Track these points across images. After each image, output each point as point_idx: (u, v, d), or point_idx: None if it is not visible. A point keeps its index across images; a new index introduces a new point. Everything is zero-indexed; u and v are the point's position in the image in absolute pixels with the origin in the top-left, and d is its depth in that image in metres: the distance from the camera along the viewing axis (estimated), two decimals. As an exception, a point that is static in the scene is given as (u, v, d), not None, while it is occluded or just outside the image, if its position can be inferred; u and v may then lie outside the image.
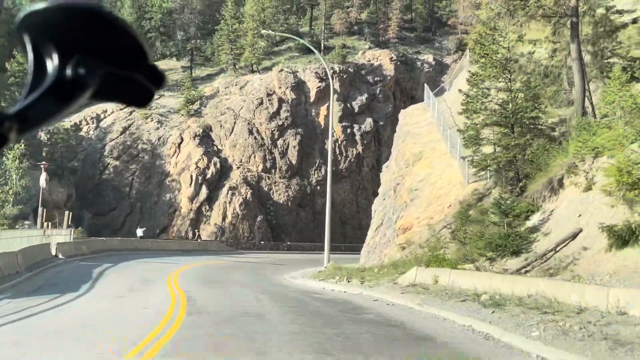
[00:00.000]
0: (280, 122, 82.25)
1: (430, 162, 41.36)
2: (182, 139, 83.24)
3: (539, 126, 33.06)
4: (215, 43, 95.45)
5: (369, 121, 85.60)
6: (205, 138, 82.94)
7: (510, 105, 32.38)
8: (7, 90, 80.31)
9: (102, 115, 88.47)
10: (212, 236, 74.68)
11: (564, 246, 20.76)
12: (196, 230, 72.35)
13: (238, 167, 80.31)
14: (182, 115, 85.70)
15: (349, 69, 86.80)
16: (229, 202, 76.60)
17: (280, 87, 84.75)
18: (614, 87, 24.72)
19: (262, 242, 74.40)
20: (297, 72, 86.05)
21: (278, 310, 17.34)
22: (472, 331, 14.00)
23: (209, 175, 79.20)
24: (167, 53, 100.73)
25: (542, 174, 26.48)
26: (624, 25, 33.64)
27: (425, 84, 57.75)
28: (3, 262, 25.25)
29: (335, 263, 35.12)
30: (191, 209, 77.82)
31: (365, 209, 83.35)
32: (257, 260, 51.27)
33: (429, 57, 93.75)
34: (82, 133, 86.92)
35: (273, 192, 79.69)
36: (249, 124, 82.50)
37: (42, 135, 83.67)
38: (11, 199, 59.92)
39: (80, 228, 62.89)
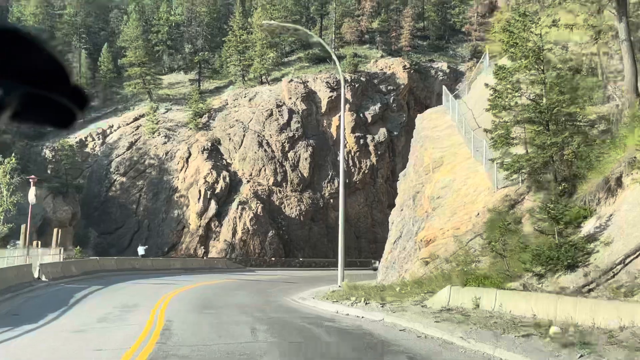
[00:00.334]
0: (290, 134, 78.04)
1: (453, 168, 36.94)
2: (190, 153, 79.16)
3: (578, 122, 28.58)
4: (223, 55, 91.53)
5: (382, 131, 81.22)
6: (214, 152, 78.82)
7: (545, 100, 27.97)
8: None
9: (108, 131, 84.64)
10: (222, 253, 70.42)
11: (635, 258, 16.31)
12: (202, 248, 67.97)
13: (248, 181, 76.08)
14: (190, 128, 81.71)
15: (361, 78, 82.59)
16: (239, 218, 72.32)
17: (290, 98, 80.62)
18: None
19: (273, 259, 70.00)
20: (308, 82, 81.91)
21: (276, 350, 12.91)
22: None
23: (218, 190, 75.03)
24: (175, 67, 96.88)
25: (594, 173, 22.00)
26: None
27: (444, 86, 53.37)
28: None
29: (350, 281, 30.70)
30: (200, 225, 73.60)
31: (381, 222, 78.96)
32: (266, 278, 46.90)
33: (443, 65, 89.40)
34: (87, 149, 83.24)
35: (284, 206, 75.36)
36: (258, 136, 78.33)
37: (47, 152, 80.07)
38: (1, 217, 55.75)
39: (78, 247, 58.66)
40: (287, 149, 77.56)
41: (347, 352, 13.38)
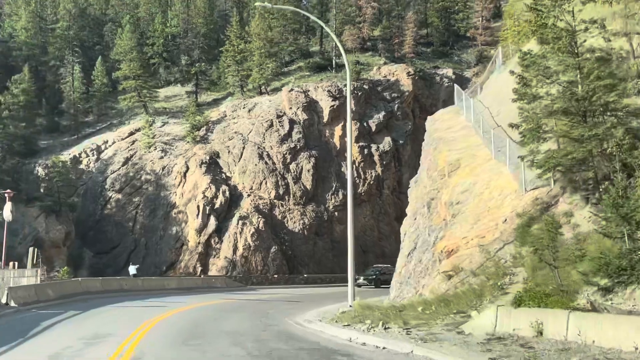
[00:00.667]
0: (292, 145, 74.05)
1: (472, 171, 32.94)
2: (187, 168, 75.20)
3: (618, 113, 24.55)
4: (221, 66, 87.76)
5: (387, 140, 77.22)
6: (212, 165, 74.87)
7: (580, 88, 24.00)
8: None
9: (102, 147, 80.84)
10: (223, 271, 66.31)
11: None
12: (199, 266, 63.66)
13: (248, 195, 72.04)
14: (188, 142, 77.83)
15: (364, 86, 78.71)
16: (240, 233, 68.23)
17: (290, 108, 76.71)
18: None
19: (276, 276, 65.82)
20: (309, 91, 78.01)
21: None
22: None
23: (217, 205, 71.01)
24: (172, 79, 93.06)
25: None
26: None
27: (456, 85, 49.44)
28: None
29: (362, 299, 26.60)
30: (199, 242, 69.52)
31: (388, 235, 75.03)
32: (268, 297, 42.80)
33: (448, 72, 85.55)
34: (81, 166, 79.52)
35: (287, 221, 71.25)
36: (258, 148, 74.36)
37: (39, 170, 76.26)
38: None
39: (66, 268, 54.58)
40: (288, 160, 73.58)
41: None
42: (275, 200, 71.93)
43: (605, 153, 23.53)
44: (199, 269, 65.39)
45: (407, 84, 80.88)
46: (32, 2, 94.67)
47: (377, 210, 75.72)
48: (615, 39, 27.35)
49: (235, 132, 77.28)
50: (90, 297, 34.90)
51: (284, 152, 73.68)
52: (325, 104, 76.57)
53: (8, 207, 39.33)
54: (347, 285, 58.18)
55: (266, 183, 72.57)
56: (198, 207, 70.86)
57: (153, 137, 78.54)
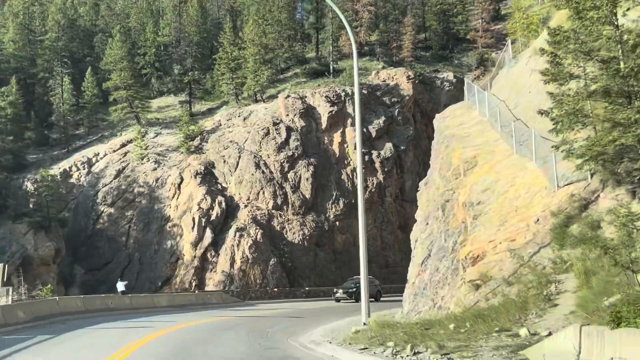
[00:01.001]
0: (289, 153, 70.35)
1: (491, 168, 29.29)
2: (182, 179, 71.49)
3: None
4: (215, 75, 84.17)
5: (388, 146, 73.50)
6: (207, 176, 71.13)
7: (623, 64, 20.32)
8: None
9: (93, 159, 77.15)
10: (220, 285, 62.50)
11: None
12: (195, 280, 59.66)
13: (246, 206, 68.28)
14: (182, 152, 74.14)
15: (363, 91, 74.87)
16: (237, 246, 64.44)
17: (287, 115, 73.05)
18: None
19: (276, 290, 61.91)
20: (306, 97, 74.37)
21: None
22: None
23: (213, 217, 67.25)
24: (164, 90, 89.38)
25: None
26: None
27: (466, 79, 45.90)
28: None
29: (377, 316, 22.81)
30: (195, 256, 65.70)
31: (392, 244, 71.34)
32: (268, 313, 38.96)
33: (448, 75, 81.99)
34: (72, 180, 75.77)
35: (286, 231, 67.44)
36: (255, 157, 70.66)
37: (28, 185, 72.50)
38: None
39: (49, 286, 50.86)
40: (286, 169, 69.86)
41: None
42: (273, 211, 68.20)
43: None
44: (194, 284, 61.37)
45: (407, 88, 77.29)
46: (20, 14, 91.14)
47: (379, 218, 71.92)
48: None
49: (231, 141, 73.62)
50: (70, 318, 31.08)
51: (282, 161, 70.02)
52: (324, 110, 72.96)
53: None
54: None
55: (264, 193, 68.88)
56: (193, 219, 67.16)
57: (146, 149, 74.87)
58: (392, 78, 78.20)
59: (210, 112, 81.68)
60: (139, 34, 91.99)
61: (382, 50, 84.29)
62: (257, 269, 63.62)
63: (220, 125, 76.80)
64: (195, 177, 70.39)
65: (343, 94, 73.78)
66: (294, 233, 67.53)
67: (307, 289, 63.42)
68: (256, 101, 78.06)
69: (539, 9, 55.59)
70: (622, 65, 20.30)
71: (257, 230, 65.30)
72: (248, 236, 64.73)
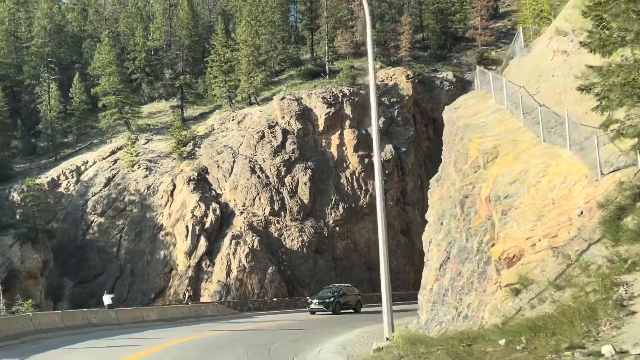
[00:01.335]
0: (286, 157, 66.87)
1: (516, 158, 25.88)
2: (174, 186, 67.97)
3: None
4: (207, 78, 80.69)
5: (388, 148, 70.12)
6: (201, 182, 67.67)
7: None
8: None
9: (82, 168, 73.56)
10: (216, 296, 58.93)
11: None
12: (190, 291, 55.84)
13: (241, 212, 64.78)
14: (174, 159, 70.62)
15: (361, 91, 71.67)
16: (233, 254, 60.93)
17: (283, 117, 69.60)
18: None
19: (275, 299, 58.15)
20: (302, 98, 70.97)
21: None
22: None
23: (207, 225, 63.78)
24: (155, 95, 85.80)
25: None
26: None
27: (478, 67, 42.54)
28: None
29: (403, 328, 19.30)
30: (189, 266, 62.21)
31: (394, 249, 67.70)
32: (267, 325, 35.36)
33: (448, 74, 78.75)
34: (60, 189, 72.13)
35: (284, 238, 63.92)
36: (250, 161, 67.17)
37: (15, 195, 68.88)
38: None
39: (30, 300, 47.09)
40: (283, 173, 66.36)
41: None
42: (270, 217, 64.70)
43: None
44: (188, 295, 57.54)
45: (406, 88, 73.93)
46: (6, 21, 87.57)
47: (380, 223, 68.28)
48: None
49: (225, 146, 70.12)
50: (45, 337, 27.48)
51: (278, 165, 66.54)
52: (320, 112, 69.52)
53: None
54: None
55: (260, 199, 65.36)
56: (187, 227, 63.68)
57: (136, 155, 71.31)
58: (391, 78, 74.87)
59: (203, 116, 78.21)
60: (128, 38, 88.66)
61: (380, 50, 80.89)
62: (255, 278, 60.07)
63: (214, 129, 73.34)
64: (188, 184, 66.94)
65: (340, 94, 70.37)
66: (292, 240, 64.05)
67: (308, 298, 59.56)
68: (250, 104, 74.63)
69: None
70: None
71: (253, 238, 61.80)
72: (244, 244, 61.24)
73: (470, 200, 26.95)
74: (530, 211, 21.83)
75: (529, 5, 48.56)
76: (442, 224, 30.44)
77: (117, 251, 68.04)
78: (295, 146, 67.75)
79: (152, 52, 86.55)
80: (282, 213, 65.09)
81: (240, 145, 69.24)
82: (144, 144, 74.59)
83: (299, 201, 65.47)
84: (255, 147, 68.07)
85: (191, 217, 64.06)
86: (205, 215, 64.47)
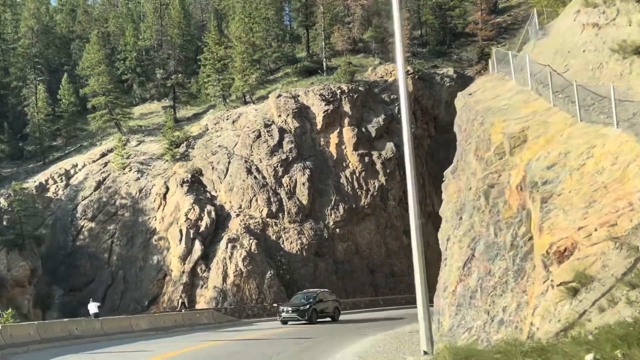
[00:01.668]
0: (283, 156, 63.61)
1: (550, 140, 22.76)
2: (167, 188, 64.65)
3: None
4: (200, 77, 77.33)
5: (389, 146, 66.82)
6: (195, 184, 64.37)
7: None
8: None
9: (71, 171, 70.18)
10: (212, 302, 55.55)
11: None
12: (182, 299, 52.28)
13: (237, 215, 61.47)
14: (166, 160, 67.33)
15: (359, 88, 68.51)
16: (230, 258, 57.62)
17: (280, 115, 66.34)
18: None
19: (275, 305, 54.58)
20: (299, 96, 67.72)
21: None
22: None
23: (202, 228, 60.49)
24: (147, 96, 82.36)
25: None
26: None
27: (495, 48, 39.26)
28: None
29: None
30: (183, 271, 58.85)
31: (397, 251, 64.61)
32: (269, 334, 32.03)
33: (448, 71, 75.69)
34: (49, 194, 68.68)
35: (283, 241, 60.64)
36: (246, 162, 63.90)
37: (2, 201, 65.38)
38: None
39: (11, 310, 43.39)
40: (280, 174, 63.07)
41: None
42: (267, 219, 61.38)
43: None
44: (181, 302, 53.98)
45: (406, 84, 70.58)
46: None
47: (382, 224, 65.15)
48: None
49: (219, 146, 66.84)
50: (19, 351, 24.14)
51: (275, 165, 63.26)
52: (318, 110, 66.27)
53: None
54: (361, 312, 46.20)
55: (257, 200, 62.06)
56: (181, 231, 60.34)
57: (127, 157, 68.00)
58: (391, 74, 71.63)
59: (197, 117, 74.89)
60: (118, 38, 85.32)
61: (378, 47, 77.74)
62: (253, 283, 56.72)
63: (208, 129, 70.05)
64: (182, 186, 63.64)
65: (338, 91, 67.15)
66: (291, 243, 60.74)
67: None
68: (245, 103, 71.35)
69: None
70: None
71: (251, 241, 58.50)
72: (241, 247, 57.93)
73: (496, 190, 23.78)
74: (578, 197, 18.62)
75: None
76: (461, 218, 27.25)
77: (109, 257, 64.66)
78: (293, 145, 64.50)
79: (143, 52, 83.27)
80: (280, 215, 61.81)
81: (236, 145, 65.97)
82: (135, 146, 71.26)
83: (297, 202, 62.20)
84: (251, 146, 64.82)
85: (185, 221, 60.74)
86: (200, 218, 61.18)
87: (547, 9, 40.87)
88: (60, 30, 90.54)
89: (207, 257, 59.08)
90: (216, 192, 64.24)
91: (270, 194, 62.31)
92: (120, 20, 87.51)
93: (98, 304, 40.16)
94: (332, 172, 65.18)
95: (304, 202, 62.36)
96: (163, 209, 64.01)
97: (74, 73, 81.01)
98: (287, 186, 62.87)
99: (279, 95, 67.75)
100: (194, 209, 61.48)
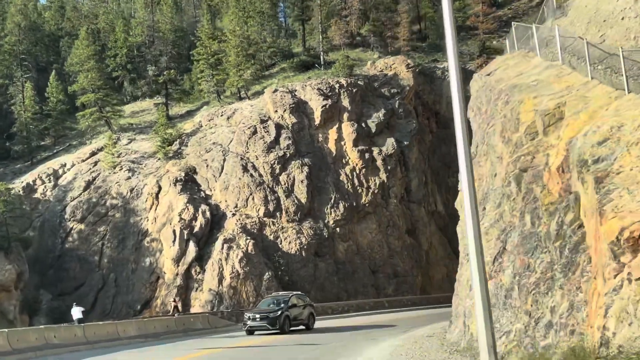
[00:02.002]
0: (280, 153, 60.47)
1: (593, 115, 19.81)
2: (160, 188, 61.43)
3: None
4: (193, 74, 74.11)
5: (390, 142, 63.71)
6: (188, 183, 61.18)
7: None
8: None
9: (60, 171, 66.93)
10: (208, 306, 52.34)
11: None
12: (175, 302, 48.86)
13: (233, 214, 58.27)
14: (159, 159, 64.19)
15: (359, 82, 65.46)
16: (226, 259, 54.39)
17: (276, 111, 63.21)
18: None
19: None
20: (296, 90, 64.63)
21: None
22: None
23: (197, 228, 57.26)
24: (139, 94, 79.07)
25: None
26: None
27: (514, 23, 36.15)
28: None
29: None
30: (177, 274, 55.58)
31: (400, 251, 61.56)
32: (270, 340, 28.77)
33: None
34: (37, 195, 65.34)
35: (281, 241, 57.42)
36: (242, 159, 60.75)
37: (-12, 202, 61.76)
38: None
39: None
40: (277, 171, 59.91)
41: None
42: (265, 219, 58.17)
43: None
44: (174, 306, 50.51)
45: (407, 78, 67.73)
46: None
47: (384, 223, 61.97)
48: None
49: (214, 143, 63.67)
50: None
51: (272, 162, 60.09)
52: (316, 104, 63.18)
53: None
54: (364, 315, 42.32)
55: (253, 199, 58.86)
56: (174, 232, 57.09)
57: (118, 156, 64.85)
58: (390, 67, 68.64)
59: (190, 114, 71.73)
60: (108, 35, 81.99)
61: (376, 41, 74.67)
62: (250, 285, 53.49)
63: (201, 126, 66.90)
64: (175, 185, 60.40)
65: (337, 85, 64.08)
66: (289, 242, 57.52)
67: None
68: (240, 99, 68.23)
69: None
70: None
71: (247, 241, 55.26)
72: (238, 248, 54.70)
73: (530, 174, 20.76)
74: (643, 175, 15.46)
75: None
76: (484, 209, 24.13)
77: (99, 260, 61.38)
78: (290, 141, 61.37)
79: (134, 49, 79.97)
80: (278, 214, 58.61)
81: (231, 142, 62.83)
82: (126, 144, 68.04)
83: (295, 201, 59.02)
84: (247, 143, 61.66)
85: (179, 221, 57.51)
86: (194, 218, 57.94)
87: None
88: (48, 28, 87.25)
89: (201, 259, 55.89)
90: (211, 190, 61.06)
91: (267, 192, 59.14)
92: (111, 17, 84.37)
93: (82, 308, 36.88)
94: (331, 169, 62.07)
95: (303, 200, 59.21)
96: (155, 209, 60.79)
97: (62, 71, 77.80)
98: (284, 184, 59.72)
99: (275, 90, 64.66)
100: (187, 209, 58.28)
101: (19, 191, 63.93)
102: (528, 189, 20.53)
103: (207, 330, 38.47)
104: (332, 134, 63.07)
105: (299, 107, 63.51)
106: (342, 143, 62.87)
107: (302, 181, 59.80)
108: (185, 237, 56.77)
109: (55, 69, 77.66)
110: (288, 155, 60.80)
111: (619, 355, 11.39)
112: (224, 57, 68.98)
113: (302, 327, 35.94)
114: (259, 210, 58.53)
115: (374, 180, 62.22)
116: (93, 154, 67.57)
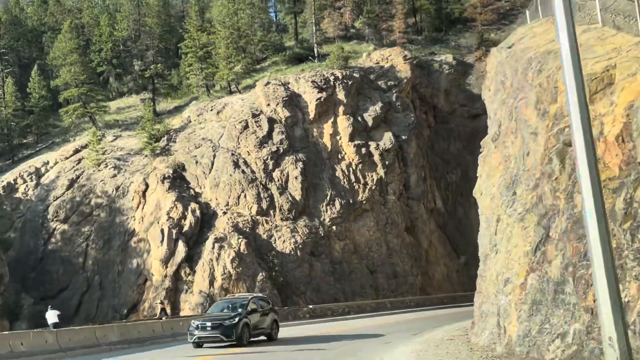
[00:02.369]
0: (273, 148, 57.20)
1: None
2: (147, 185, 58.15)
3: None
4: (181, 68, 70.73)
5: (387, 136, 60.59)
6: (177, 180, 57.83)
7: None
8: None
9: (42, 169, 63.55)
10: (198, 309, 48.96)
11: None
12: (161, 303, 45.32)
13: (224, 212, 54.97)
14: (146, 155, 60.90)
15: (354, 75, 62.36)
16: (217, 260, 51.00)
17: (268, 104, 59.96)
18: None
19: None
20: (289, 83, 61.47)
21: None
22: None
23: (186, 227, 53.93)
24: (125, 90, 75.56)
25: None
26: None
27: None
28: None
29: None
30: (166, 275, 52.16)
31: (399, 250, 58.37)
32: (269, 347, 25.37)
33: (447, 57, 69.92)
34: (18, 194, 61.89)
35: (275, 240, 54.11)
36: (233, 155, 57.44)
37: (-33, 202, 58.51)
38: None
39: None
40: (270, 167, 56.63)
41: None
42: (257, 217, 54.89)
43: None
44: (161, 308, 46.90)
45: (404, 70, 64.64)
46: (-44, 13, 77.15)
47: (382, 220, 58.76)
48: None
49: (203, 139, 60.37)
50: None
51: (265, 158, 56.80)
52: (310, 97, 60.02)
53: None
54: (365, 317, 38.35)
55: (245, 196, 55.58)
56: (162, 231, 53.67)
57: (103, 153, 61.44)
58: (387, 59, 65.55)
59: (178, 110, 68.44)
60: (92, 29, 78.49)
61: (371, 32, 71.53)
62: (243, 286, 50.08)
63: (190, 121, 63.63)
64: (163, 183, 57.06)
65: (332, 77, 61.00)
66: (283, 242, 54.21)
67: (311, 307, 49.38)
68: (230, 93, 65.02)
69: None
70: None
71: (239, 240, 51.90)
72: (229, 247, 51.34)
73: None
74: None
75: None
76: (514, 193, 20.96)
77: (84, 262, 58.04)
78: (284, 136, 58.13)
79: (120, 44, 76.51)
80: (271, 212, 55.32)
81: (221, 137, 59.55)
82: (111, 141, 64.66)
83: (289, 198, 55.73)
84: (238, 138, 58.38)
85: (167, 220, 54.13)
86: (183, 217, 54.59)
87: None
88: (31, 23, 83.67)
89: (191, 259, 52.51)
90: (200, 188, 57.72)
91: (260, 190, 55.83)
92: (95, 11, 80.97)
93: (58, 312, 33.54)
94: (326, 165, 58.83)
95: (297, 197, 55.92)
96: (142, 208, 57.44)
97: (45, 67, 74.36)
98: (278, 181, 56.44)
99: (268, 83, 61.46)
100: (176, 207, 54.89)
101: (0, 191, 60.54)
102: (568, 168, 17.38)
103: (197, 335, 34.98)
104: (327, 128, 59.87)
105: (293, 101, 60.31)
106: (338, 137, 59.69)
107: (296, 177, 56.53)
108: (174, 236, 53.36)
109: (38, 64, 74.17)
110: (281, 150, 57.55)
111: None
112: (213, 50, 65.77)
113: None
114: (251, 208, 55.23)
115: (371, 176, 59.06)
116: (77, 151, 64.15)
